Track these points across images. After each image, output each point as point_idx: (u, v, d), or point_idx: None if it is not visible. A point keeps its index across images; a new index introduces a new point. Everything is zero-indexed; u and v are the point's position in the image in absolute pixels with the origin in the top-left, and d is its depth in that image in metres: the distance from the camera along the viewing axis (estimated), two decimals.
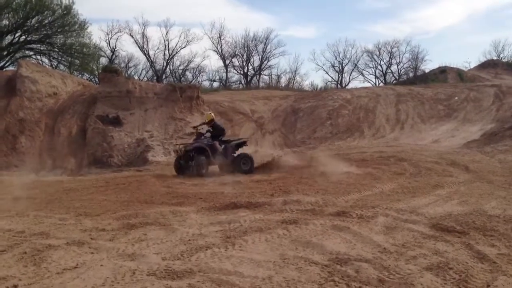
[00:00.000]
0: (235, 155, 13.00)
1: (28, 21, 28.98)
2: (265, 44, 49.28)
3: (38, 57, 32.57)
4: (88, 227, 6.45)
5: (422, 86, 30.97)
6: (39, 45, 31.50)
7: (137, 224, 6.56)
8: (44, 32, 30.07)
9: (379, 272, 4.40)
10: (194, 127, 14.13)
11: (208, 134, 12.82)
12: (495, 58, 49.47)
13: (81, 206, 8.21)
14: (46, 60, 33.34)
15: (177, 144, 13.60)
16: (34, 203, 8.82)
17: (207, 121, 13.24)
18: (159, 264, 4.64)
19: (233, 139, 13.77)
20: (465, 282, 4.20)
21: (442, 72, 41.09)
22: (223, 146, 12.86)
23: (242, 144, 13.48)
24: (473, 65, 48.45)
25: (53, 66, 32.77)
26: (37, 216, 7.32)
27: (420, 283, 4.14)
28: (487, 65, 45.75)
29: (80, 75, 33.61)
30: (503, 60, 48.38)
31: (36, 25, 29.43)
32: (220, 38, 48.54)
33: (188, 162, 12.43)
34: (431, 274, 4.37)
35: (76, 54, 31.55)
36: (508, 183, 9.66)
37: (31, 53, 32.08)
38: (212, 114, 14.22)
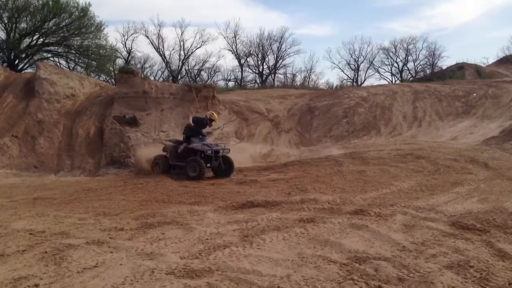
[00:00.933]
0: None
1: (46, 23, 29.41)
2: (280, 43, 49.26)
3: (56, 59, 33.02)
4: (107, 226, 6.51)
5: (439, 83, 30.57)
6: (56, 47, 31.95)
7: (155, 223, 6.60)
8: (62, 34, 30.49)
9: (399, 270, 4.37)
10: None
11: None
12: None
13: (100, 206, 8.29)
14: (64, 62, 33.82)
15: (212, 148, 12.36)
16: (54, 203, 8.93)
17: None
18: (178, 263, 4.66)
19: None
20: (486, 280, 4.15)
21: (460, 69, 40.44)
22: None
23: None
24: (491, 61, 47.77)
25: (71, 67, 33.22)
26: (57, 216, 7.41)
27: (440, 281, 4.10)
28: (506, 61, 44.88)
29: (97, 77, 33.98)
30: None
31: (53, 27, 29.86)
32: (235, 37, 48.65)
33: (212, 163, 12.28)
34: (452, 272, 4.32)
35: (93, 55, 31.93)
36: None
37: (49, 55, 32.56)
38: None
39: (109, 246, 5.39)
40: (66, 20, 29.77)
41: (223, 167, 12.33)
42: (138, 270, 4.50)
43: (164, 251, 5.16)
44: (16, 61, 29.52)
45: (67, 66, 33.23)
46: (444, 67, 45.67)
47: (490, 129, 19.94)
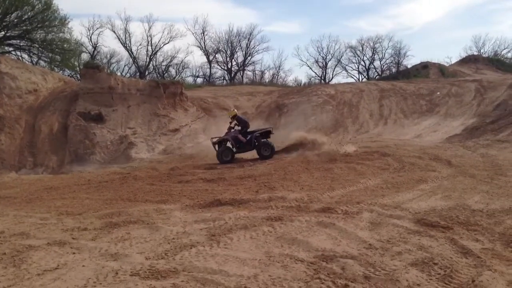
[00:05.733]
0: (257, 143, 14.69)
1: (7, 16, 28.42)
2: (248, 40, 49.08)
3: (18, 53, 31.96)
4: (69, 226, 6.34)
5: (404, 82, 31.12)
6: (18, 41, 30.91)
7: (120, 222, 6.47)
8: (24, 27, 29.53)
9: (365, 268, 4.39)
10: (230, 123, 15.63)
11: (237, 128, 14.81)
12: (475, 53, 50.06)
13: (62, 205, 8.08)
14: (26, 56, 32.74)
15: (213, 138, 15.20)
16: (14, 202, 8.65)
17: (230, 116, 14.99)
18: (143, 264, 4.57)
19: (257, 130, 15.16)
20: (450, 277, 4.22)
21: (424, 68, 41.26)
22: (248, 136, 14.59)
23: (266, 133, 15.05)
24: (454, 60, 48.98)
25: (33, 62, 32.25)
26: (17, 215, 7.18)
27: (405, 279, 4.14)
28: (468, 60, 46.12)
29: (61, 71, 33.13)
30: (484, 56, 48.92)
31: (15, 20, 28.88)
32: (203, 33, 48.20)
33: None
34: (416, 269, 4.38)
35: (56, 50, 31.05)
36: (490, 177, 9.74)
37: (11, 49, 31.47)
38: (235, 110, 15.71)
39: (71, 247, 5.25)
40: (29, 13, 28.84)
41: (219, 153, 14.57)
42: (101, 271, 4.39)
43: (129, 251, 5.05)
44: None
45: (29, 61, 32.27)
46: (409, 66, 46.49)
47: (453, 127, 20.42)
